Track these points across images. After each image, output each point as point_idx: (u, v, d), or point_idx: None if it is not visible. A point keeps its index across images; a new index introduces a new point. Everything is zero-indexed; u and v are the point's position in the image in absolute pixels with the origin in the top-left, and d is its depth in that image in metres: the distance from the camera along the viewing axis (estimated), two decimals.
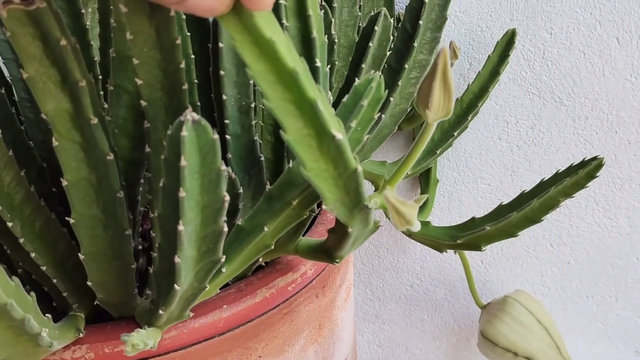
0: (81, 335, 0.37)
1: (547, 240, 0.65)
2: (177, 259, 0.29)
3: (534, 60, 0.60)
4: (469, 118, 0.59)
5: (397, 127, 0.55)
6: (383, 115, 0.51)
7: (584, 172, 0.51)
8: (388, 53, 0.46)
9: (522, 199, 0.54)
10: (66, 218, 0.31)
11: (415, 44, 0.49)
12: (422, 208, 0.64)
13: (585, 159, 0.50)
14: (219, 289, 0.40)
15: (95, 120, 0.28)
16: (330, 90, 0.43)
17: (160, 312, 0.33)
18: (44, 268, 0.34)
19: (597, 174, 0.51)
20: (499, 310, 0.61)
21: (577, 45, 0.58)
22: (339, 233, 0.35)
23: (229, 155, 0.39)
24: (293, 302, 0.44)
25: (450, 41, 0.57)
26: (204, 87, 0.38)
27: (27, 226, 0.33)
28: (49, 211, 0.34)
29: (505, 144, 0.63)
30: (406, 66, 0.50)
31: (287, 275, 0.43)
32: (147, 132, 0.31)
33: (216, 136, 0.27)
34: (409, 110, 0.53)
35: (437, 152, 0.59)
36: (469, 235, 0.53)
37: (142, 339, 0.31)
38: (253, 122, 0.39)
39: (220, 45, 0.34)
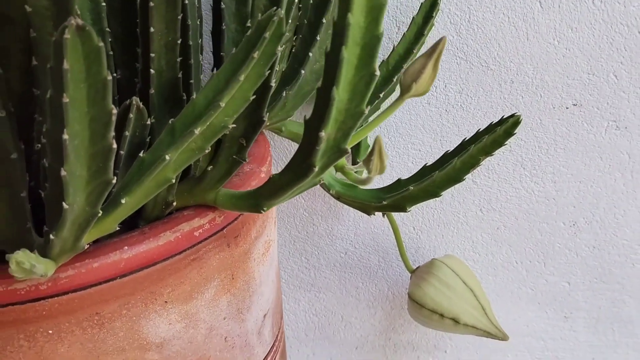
0: None
1: (476, 205, 0.66)
2: (63, 172, 0.28)
3: (460, 24, 0.60)
4: (394, 80, 0.59)
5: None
6: (302, 71, 0.51)
7: (502, 129, 0.52)
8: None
9: (445, 159, 0.54)
10: None
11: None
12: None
13: (504, 117, 0.51)
14: (121, 230, 0.39)
15: None
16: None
17: (51, 237, 0.32)
18: None
19: (515, 131, 0.51)
20: (426, 272, 0.62)
21: (502, 9, 0.59)
22: (288, 177, 0.35)
23: (152, 91, 0.39)
24: (201, 249, 0.43)
25: None
26: (126, 18, 0.38)
27: None
28: None
29: (434, 109, 0.64)
30: (324, 20, 0.50)
31: (194, 220, 0.42)
32: (34, 43, 0.30)
33: (102, 44, 0.26)
34: None
35: (365, 111, 0.60)
36: (395, 197, 0.53)
37: (29, 259, 0.31)
38: (178, 60, 0.38)
39: None
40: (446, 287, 0.61)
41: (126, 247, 0.39)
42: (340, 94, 0.33)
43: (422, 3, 0.58)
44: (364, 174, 0.58)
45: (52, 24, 0.30)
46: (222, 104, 0.34)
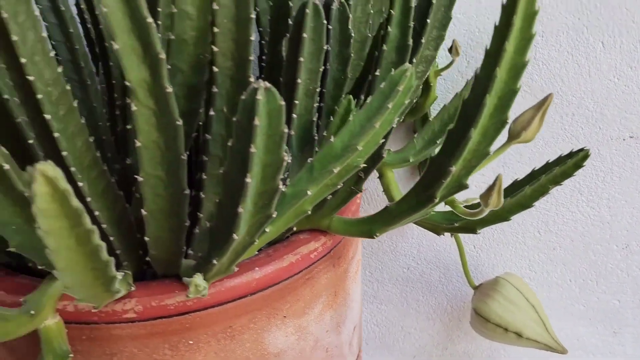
0: (132, 289, 0.41)
1: (534, 227, 0.71)
2: (240, 210, 0.33)
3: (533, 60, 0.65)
4: None
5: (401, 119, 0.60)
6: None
7: (571, 162, 0.57)
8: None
9: (515, 187, 0.59)
10: (135, 176, 0.35)
11: (423, 41, 0.55)
12: None
13: (573, 150, 0.56)
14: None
15: (169, 89, 0.32)
16: (345, 80, 0.48)
17: (214, 262, 0.37)
18: (104, 226, 0.39)
19: (584, 164, 0.56)
20: (491, 289, 0.67)
21: (566, 47, 0.64)
22: (406, 206, 0.40)
23: (292, 132, 0.44)
24: (314, 269, 0.48)
25: (454, 39, 0.62)
26: (272, 68, 0.43)
27: (93, 187, 0.37)
28: (110, 175, 0.38)
29: (500, 137, 0.68)
30: (414, 60, 0.55)
31: (310, 244, 0.47)
32: (213, 97, 0.35)
33: (283, 102, 0.31)
34: (413, 102, 0.58)
35: (437, 142, 0.65)
36: (466, 219, 0.58)
37: (202, 282, 0.36)
38: (315, 105, 0.43)
39: (304, 35, 0.38)
40: (510, 303, 0.65)
41: (257, 268, 0.44)
42: (474, 135, 0.38)
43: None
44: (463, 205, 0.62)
45: (232, 83, 0.35)
46: (360, 148, 0.39)
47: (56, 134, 0.33)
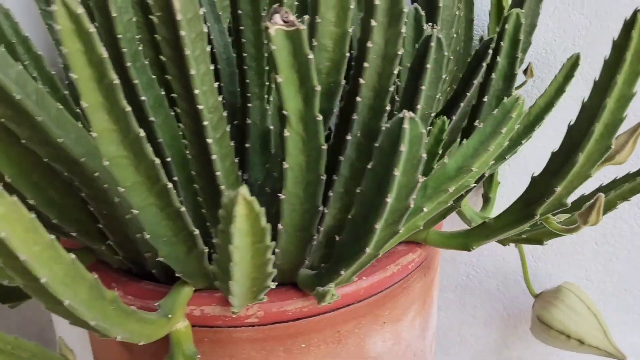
0: (265, 299, 0.44)
1: (592, 238, 0.74)
2: (377, 226, 0.36)
3: (591, 81, 0.68)
4: (535, 128, 0.67)
5: None
6: None
7: None
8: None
9: (582, 201, 0.62)
10: (278, 194, 0.38)
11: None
12: (485, 206, 0.73)
13: None
14: None
15: (319, 118, 0.36)
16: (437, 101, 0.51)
17: (342, 272, 0.40)
18: None
19: None
20: (554, 297, 0.70)
21: None
22: (504, 221, 0.44)
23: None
24: (410, 279, 0.52)
25: (529, 62, 0.65)
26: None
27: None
28: None
29: None
30: None
31: (408, 255, 0.51)
32: (351, 123, 0.39)
33: (424, 130, 0.35)
34: None
35: (506, 157, 0.68)
36: (534, 231, 0.61)
37: (335, 291, 0.39)
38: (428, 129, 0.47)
39: (427, 66, 0.41)
40: (572, 311, 0.69)
41: (364, 278, 0.48)
42: (580, 159, 0.41)
43: (564, 63, 0.66)
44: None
45: (369, 111, 0.38)
46: (474, 169, 0.42)
47: (214, 156, 0.37)
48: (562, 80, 0.67)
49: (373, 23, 0.34)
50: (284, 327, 0.46)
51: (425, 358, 0.58)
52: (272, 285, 0.38)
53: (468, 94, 0.50)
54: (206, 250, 0.41)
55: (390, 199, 0.36)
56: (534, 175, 0.46)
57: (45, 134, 0.37)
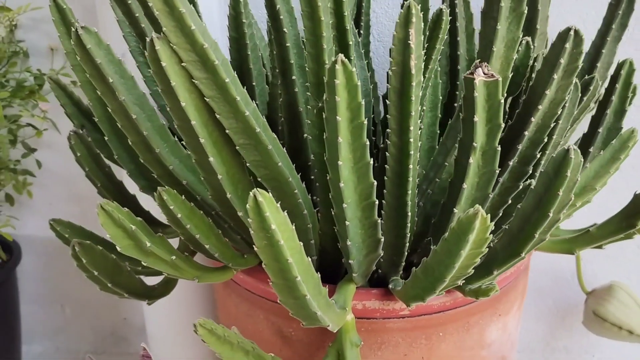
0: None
1: (634, 242, 0.84)
2: (536, 235, 0.45)
3: None
4: None
5: None
6: None
7: None
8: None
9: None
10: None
11: None
12: None
13: None
14: None
15: (499, 148, 0.44)
16: None
17: (494, 272, 0.49)
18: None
19: None
20: (607, 294, 0.80)
21: None
22: (607, 231, 0.53)
23: None
24: (519, 276, 0.61)
25: None
26: None
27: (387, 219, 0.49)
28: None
29: None
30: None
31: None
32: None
33: (582, 159, 0.43)
34: None
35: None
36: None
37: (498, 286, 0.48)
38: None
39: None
40: (624, 305, 0.79)
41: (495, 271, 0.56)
42: None
43: None
44: None
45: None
46: (597, 188, 0.51)
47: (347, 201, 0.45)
48: None
49: (554, 76, 0.43)
50: (427, 319, 0.54)
51: (515, 347, 0.68)
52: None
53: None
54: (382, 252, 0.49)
55: (552, 214, 0.45)
56: (637, 192, 0.55)
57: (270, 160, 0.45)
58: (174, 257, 0.49)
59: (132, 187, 0.62)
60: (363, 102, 0.39)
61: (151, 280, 0.60)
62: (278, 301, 0.43)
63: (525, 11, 0.45)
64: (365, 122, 0.40)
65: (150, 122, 0.46)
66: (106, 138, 0.55)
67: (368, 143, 0.41)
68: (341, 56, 0.37)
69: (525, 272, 0.63)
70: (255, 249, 0.39)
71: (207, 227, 0.49)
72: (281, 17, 0.52)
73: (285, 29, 0.52)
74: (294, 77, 0.54)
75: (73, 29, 0.42)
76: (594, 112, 0.58)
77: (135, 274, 0.60)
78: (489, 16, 0.45)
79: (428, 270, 0.44)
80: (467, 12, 0.61)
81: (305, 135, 0.55)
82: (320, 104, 0.47)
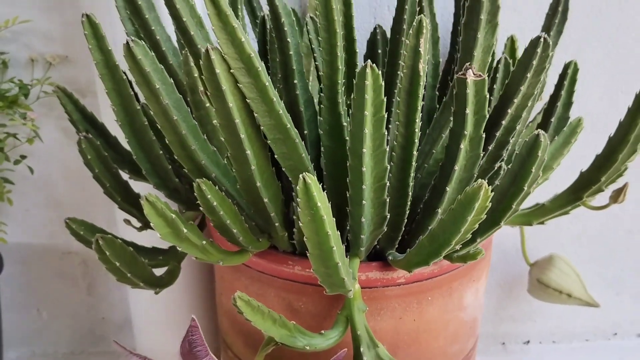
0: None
1: (566, 219, 0.98)
2: (513, 206, 0.55)
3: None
4: None
5: None
6: None
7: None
8: None
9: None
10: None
11: None
12: None
13: None
14: None
15: (483, 136, 0.54)
16: None
17: (478, 240, 0.59)
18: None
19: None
20: (548, 264, 0.92)
21: None
22: (557, 204, 0.64)
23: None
24: (488, 247, 0.71)
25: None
26: None
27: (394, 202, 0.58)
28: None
29: None
30: None
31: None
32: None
33: (549, 142, 0.54)
34: None
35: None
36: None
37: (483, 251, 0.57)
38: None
39: None
40: (563, 273, 0.92)
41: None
42: (619, 158, 0.62)
43: None
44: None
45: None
46: (554, 167, 0.62)
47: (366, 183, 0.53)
48: None
49: (527, 75, 0.53)
50: (419, 285, 0.64)
51: (482, 310, 0.78)
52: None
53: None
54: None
55: (526, 187, 0.55)
56: (582, 170, 0.66)
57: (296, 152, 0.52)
58: (204, 242, 0.56)
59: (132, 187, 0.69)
60: (385, 99, 0.47)
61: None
62: (311, 270, 0.51)
63: (499, 23, 0.55)
64: (385, 115, 0.48)
65: (186, 123, 0.53)
66: (126, 140, 0.61)
67: (386, 133, 0.49)
68: (369, 62, 0.46)
69: (491, 244, 0.74)
70: (300, 224, 0.47)
71: (234, 214, 0.56)
72: (285, 29, 0.60)
73: (288, 39, 0.60)
74: (295, 81, 0.61)
75: (124, 42, 0.48)
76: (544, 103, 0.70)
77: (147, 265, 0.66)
78: (470, 27, 0.55)
79: (434, 237, 0.53)
80: (433, 22, 0.71)
81: (305, 132, 0.63)
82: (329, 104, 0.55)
